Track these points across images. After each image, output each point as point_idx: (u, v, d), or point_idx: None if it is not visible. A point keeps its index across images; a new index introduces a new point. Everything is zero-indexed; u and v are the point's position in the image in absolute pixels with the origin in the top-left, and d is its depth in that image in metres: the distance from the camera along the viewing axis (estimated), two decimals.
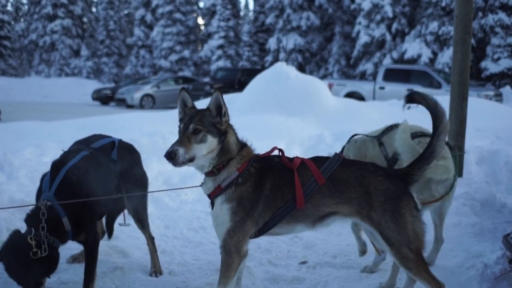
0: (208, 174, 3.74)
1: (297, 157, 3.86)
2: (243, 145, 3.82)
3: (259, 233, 3.71)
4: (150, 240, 5.05)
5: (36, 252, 3.83)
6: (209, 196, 3.77)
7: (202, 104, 16.88)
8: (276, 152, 3.91)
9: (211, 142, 3.62)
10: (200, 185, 3.87)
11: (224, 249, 3.66)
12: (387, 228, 3.54)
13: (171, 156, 3.46)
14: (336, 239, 6.00)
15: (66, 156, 4.42)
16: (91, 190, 4.22)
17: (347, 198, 3.63)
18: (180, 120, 3.74)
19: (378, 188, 3.59)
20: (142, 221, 5.00)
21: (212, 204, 3.76)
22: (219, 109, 3.69)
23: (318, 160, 3.81)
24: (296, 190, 3.62)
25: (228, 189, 3.64)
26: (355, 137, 5.12)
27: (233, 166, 3.69)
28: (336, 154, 3.87)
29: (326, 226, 3.81)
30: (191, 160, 3.55)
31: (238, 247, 3.64)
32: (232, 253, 3.64)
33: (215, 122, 3.66)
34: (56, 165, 4.30)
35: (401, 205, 3.55)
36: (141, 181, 5.04)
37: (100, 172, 4.47)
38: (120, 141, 4.93)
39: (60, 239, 4.08)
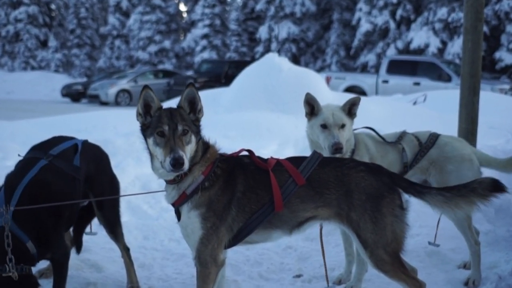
0: (169, 182, 3.75)
1: (271, 157, 3.91)
2: (206, 146, 3.82)
3: (235, 240, 3.74)
4: (125, 251, 5.03)
5: None
6: (173, 204, 3.79)
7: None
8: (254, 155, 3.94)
9: (194, 142, 3.66)
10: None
11: (199, 259, 3.69)
12: (365, 229, 3.64)
13: (180, 162, 3.42)
14: (333, 250, 6.02)
15: (22, 169, 4.33)
16: (54, 206, 4.14)
17: (327, 200, 3.70)
18: (146, 126, 3.68)
19: (360, 185, 3.67)
20: (115, 232, 4.98)
21: (177, 213, 3.77)
22: (192, 105, 3.71)
23: (295, 160, 3.87)
24: (274, 192, 3.66)
25: (194, 195, 3.66)
26: (360, 135, 5.15)
27: (197, 170, 3.69)
28: (314, 152, 3.92)
29: (303, 232, 3.89)
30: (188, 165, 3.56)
31: (213, 255, 3.67)
32: (208, 263, 3.67)
33: (193, 120, 3.69)
34: (11, 181, 4.20)
35: (383, 204, 3.64)
36: (111, 187, 5.02)
37: (62, 184, 4.39)
38: (85, 143, 4.87)
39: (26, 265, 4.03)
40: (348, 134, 4.80)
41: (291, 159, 3.91)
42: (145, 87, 3.69)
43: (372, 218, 3.62)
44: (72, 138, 4.85)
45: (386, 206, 3.64)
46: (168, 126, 3.54)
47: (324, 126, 4.76)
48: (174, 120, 3.56)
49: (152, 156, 3.71)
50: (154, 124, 3.61)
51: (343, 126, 4.75)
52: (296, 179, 3.70)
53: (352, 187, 3.68)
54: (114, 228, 4.97)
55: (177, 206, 3.75)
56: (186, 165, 3.46)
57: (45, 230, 4.10)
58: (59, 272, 4.27)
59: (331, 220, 3.77)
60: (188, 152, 3.55)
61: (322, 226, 4.31)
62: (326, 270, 4.44)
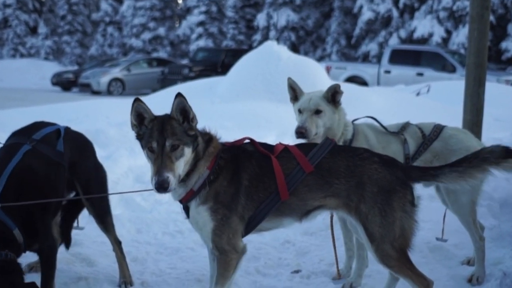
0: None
1: (280, 143, 3.96)
2: (209, 138, 3.85)
3: (248, 229, 3.81)
4: (117, 244, 5.02)
5: None
6: (180, 201, 3.85)
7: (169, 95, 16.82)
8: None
9: (188, 153, 3.68)
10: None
11: (218, 249, 3.76)
12: (373, 222, 3.69)
13: (164, 187, 3.48)
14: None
15: (5, 155, 4.31)
16: (41, 193, 4.15)
17: (336, 190, 3.74)
18: (141, 136, 3.71)
19: (372, 177, 3.71)
20: (105, 222, 4.95)
21: (186, 209, 3.84)
22: (185, 114, 3.72)
23: (305, 147, 3.92)
24: (277, 180, 3.71)
25: (201, 191, 3.72)
26: (360, 125, 5.15)
27: (202, 166, 3.75)
28: (327, 138, 3.95)
29: (313, 219, 3.96)
30: (178, 180, 3.61)
31: (231, 244, 3.74)
32: (227, 251, 3.74)
33: (185, 130, 3.70)
34: None
35: (394, 198, 3.68)
36: (97, 174, 5.00)
37: (47, 170, 4.38)
38: (67, 129, 4.84)
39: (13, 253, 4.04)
40: (326, 121, 4.84)
41: (301, 146, 3.96)
42: (136, 100, 3.70)
43: (382, 212, 3.66)
44: (53, 124, 4.82)
45: (397, 200, 3.68)
46: (157, 142, 3.58)
47: (300, 111, 4.85)
48: (164, 135, 3.59)
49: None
50: (146, 138, 3.66)
51: (318, 112, 4.81)
52: (303, 166, 3.74)
53: (364, 179, 3.71)
54: (104, 218, 4.94)
55: (184, 203, 3.81)
56: (172, 186, 3.52)
57: (32, 218, 4.10)
58: (47, 265, 4.27)
59: (339, 210, 3.83)
60: (178, 168, 3.59)
61: (332, 214, 4.33)
62: (337, 261, 4.42)
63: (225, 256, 3.75)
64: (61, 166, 4.53)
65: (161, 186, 3.47)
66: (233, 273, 3.81)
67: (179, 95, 3.69)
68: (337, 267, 4.51)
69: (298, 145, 3.96)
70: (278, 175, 3.71)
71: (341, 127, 4.94)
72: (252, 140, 3.96)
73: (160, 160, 3.53)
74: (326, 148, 3.82)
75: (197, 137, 3.75)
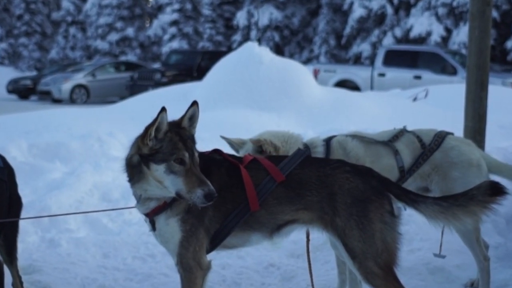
0: None
1: (248, 154, 4.10)
2: None
3: (213, 244, 3.86)
4: (19, 278, 4.88)
5: None
6: (147, 215, 3.87)
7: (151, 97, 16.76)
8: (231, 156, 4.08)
9: None
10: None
11: (182, 264, 3.80)
12: (351, 236, 3.71)
13: (214, 197, 3.56)
14: (322, 267, 6.04)
15: None
16: None
17: (308, 203, 3.80)
18: (155, 150, 3.67)
19: (344, 187, 3.76)
20: (12, 255, 4.78)
21: (151, 222, 3.87)
22: (192, 124, 3.86)
23: (275, 158, 4.03)
24: (247, 189, 3.78)
25: (174, 202, 3.77)
26: (337, 138, 5.11)
27: None
28: (299, 149, 4.05)
29: (285, 236, 4.01)
30: None
31: (197, 258, 3.79)
32: (192, 267, 3.79)
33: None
34: None
35: (370, 209, 3.71)
36: (17, 205, 4.89)
37: None
38: None
39: None
40: None
41: (271, 157, 4.08)
42: (164, 109, 3.68)
43: (359, 224, 3.69)
44: None
45: (374, 211, 3.70)
46: (188, 154, 3.64)
47: None
48: (189, 145, 3.69)
49: (139, 176, 3.74)
50: (168, 149, 3.65)
51: None
52: (274, 175, 3.81)
53: (335, 189, 3.76)
54: (11, 250, 4.79)
55: (152, 216, 3.83)
56: None
57: None
58: None
59: (314, 224, 3.86)
60: None
61: (309, 238, 4.35)
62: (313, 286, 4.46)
63: (190, 273, 3.78)
64: (2, 181, 4.50)
65: (213, 197, 3.54)
66: None
67: (196, 104, 3.85)
68: None
69: (268, 157, 4.08)
70: (247, 185, 3.77)
71: (319, 148, 4.92)
72: (218, 151, 4.05)
73: (196, 171, 3.62)
74: (298, 159, 3.92)
75: None
